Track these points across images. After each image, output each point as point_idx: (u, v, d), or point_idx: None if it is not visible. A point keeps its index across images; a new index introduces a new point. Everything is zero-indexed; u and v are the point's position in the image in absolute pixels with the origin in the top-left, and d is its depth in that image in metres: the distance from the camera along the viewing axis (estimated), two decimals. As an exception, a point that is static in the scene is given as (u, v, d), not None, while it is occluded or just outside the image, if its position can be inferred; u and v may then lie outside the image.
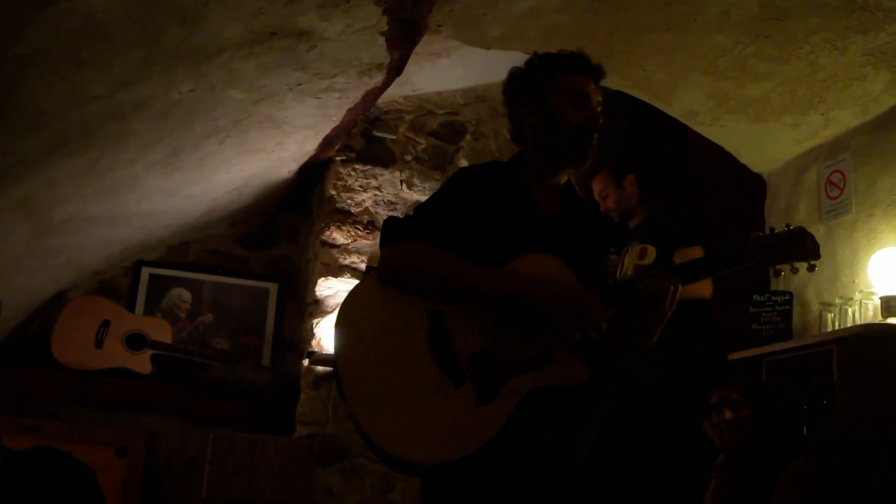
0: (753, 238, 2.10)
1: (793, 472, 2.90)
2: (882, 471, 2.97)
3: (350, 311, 2.06)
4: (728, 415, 3.22)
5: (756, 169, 4.18)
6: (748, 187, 4.20)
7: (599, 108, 2.19)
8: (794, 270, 2.12)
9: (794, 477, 2.89)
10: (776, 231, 2.10)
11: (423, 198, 4.14)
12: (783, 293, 3.72)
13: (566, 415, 2.05)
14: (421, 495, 2.05)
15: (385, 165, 4.71)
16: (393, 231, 2.13)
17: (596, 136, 2.16)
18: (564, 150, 2.17)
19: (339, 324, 2.04)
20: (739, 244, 2.10)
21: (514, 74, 2.26)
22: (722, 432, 3.21)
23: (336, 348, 2.04)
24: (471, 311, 2.00)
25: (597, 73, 2.21)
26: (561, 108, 2.15)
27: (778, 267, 2.11)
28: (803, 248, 2.08)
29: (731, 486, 3.15)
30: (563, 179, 2.25)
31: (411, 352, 1.96)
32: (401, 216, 3.78)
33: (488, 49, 3.80)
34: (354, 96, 3.76)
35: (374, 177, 4.68)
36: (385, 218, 2.19)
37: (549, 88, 2.17)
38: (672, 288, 2.00)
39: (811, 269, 2.11)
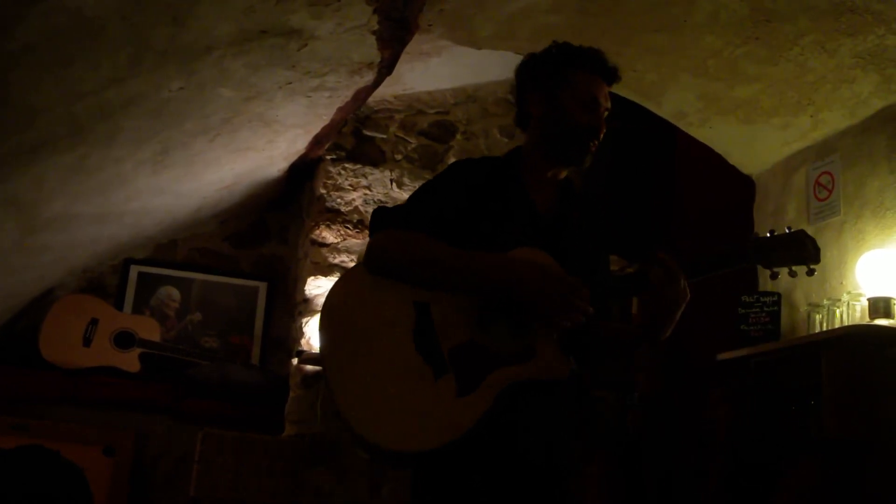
0: (753, 239, 2.08)
1: (792, 479, 2.92)
2: (869, 472, 2.99)
3: (335, 301, 2.06)
4: (723, 411, 3.24)
5: (745, 170, 4.19)
6: (737, 189, 4.22)
7: (606, 114, 2.17)
8: (793, 274, 2.08)
9: (794, 483, 2.91)
10: (776, 233, 2.08)
11: (414, 197, 4.13)
12: (771, 294, 3.73)
13: (551, 410, 2.06)
14: (411, 494, 2.05)
15: (375, 164, 4.71)
16: (383, 220, 2.12)
17: (597, 140, 2.15)
18: (565, 147, 2.15)
19: (325, 314, 2.04)
20: (738, 245, 2.08)
21: (529, 60, 2.23)
22: (718, 429, 3.23)
23: (321, 339, 2.04)
24: (457, 303, 2.00)
25: (612, 76, 2.18)
26: (569, 106, 2.13)
27: (775, 269, 2.08)
28: (804, 251, 2.05)
29: (727, 486, 3.17)
30: (562, 175, 2.23)
31: (395, 342, 1.97)
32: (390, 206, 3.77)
33: (479, 49, 3.81)
34: (345, 95, 3.76)
35: (365, 176, 4.68)
36: (374, 209, 2.18)
37: (561, 83, 2.14)
38: (683, 277, 1.99)
39: (811, 273, 2.07)
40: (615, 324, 2.24)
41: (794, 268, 2.07)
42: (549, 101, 2.16)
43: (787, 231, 2.08)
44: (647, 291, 2.03)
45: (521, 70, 2.24)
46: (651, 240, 4.56)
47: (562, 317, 1.95)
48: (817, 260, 2.06)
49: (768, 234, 2.08)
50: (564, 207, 2.21)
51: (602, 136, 2.16)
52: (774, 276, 2.09)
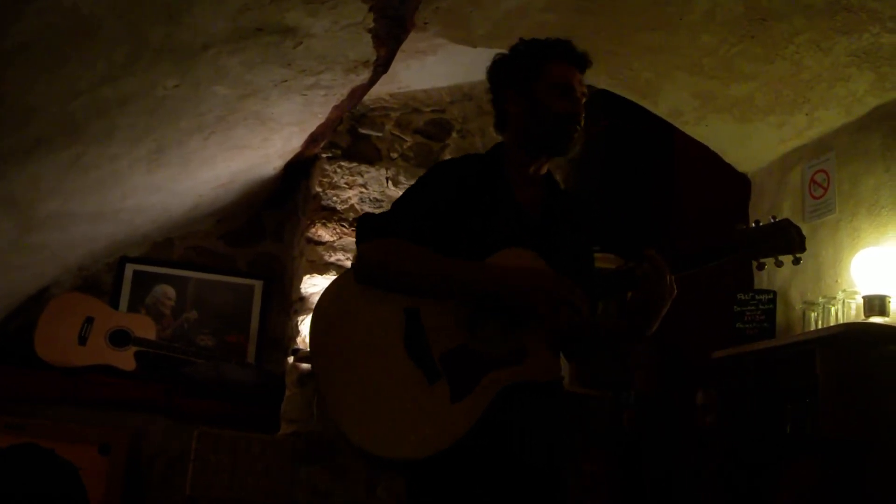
0: (738, 231, 2.08)
1: (791, 478, 2.93)
2: (867, 471, 2.99)
3: (326, 307, 2.05)
4: (708, 420, 3.25)
5: (741, 168, 4.20)
6: (736, 187, 4.22)
7: (584, 100, 2.16)
8: (779, 264, 2.08)
9: (793, 482, 2.92)
10: (761, 224, 2.07)
11: (409, 195, 4.13)
12: (767, 292, 3.74)
13: (547, 412, 2.06)
14: (406, 494, 2.05)
15: (371, 163, 4.71)
16: (369, 228, 2.10)
17: (579, 127, 2.13)
18: (548, 137, 2.13)
19: (315, 321, 2.03)
20: (724, 237, 2.08)
21: (499, 61, 2.22)
22: (708, 434, 3.24)
23: (311, 345, 2.03)
24: (447, 308, 1.99)
25: (582, 62, 2.17)
26: (545, 97, 2.12)
27: (762, 260, 2.08)
28: (789, 240, 2.05)
29: (725, 486, 3.18)
30: (544, 170, 2.22)
31: (386, 349, 1.96)
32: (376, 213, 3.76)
33: (475, 47, 3.80)
34: (340, 93, 3.75)
35: (360, 174, 4.67)
36: (360, 215, 2.15)
37: (534, 76, 2.13)
38: (669, 273, 1.99)
39: (797, 262, 2.07)
40: (603, 321, 2.24)
41: (780, 258, 2.07)
42: (525, 95, 2.14)
43: (771, 221, 2.08)
44: (634, 288, 2.02)
45: (493, 71, 2.23)
46: (647, 237, 4.56)
47: (559, 320, 1.94)
48: (802, 248, 2.06)
49: (753, 225, 2.08)
50: (550, 204, 2.20)
51: (583, 121, 2.14)
52: (761, 268, 2.09)
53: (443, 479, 1.95)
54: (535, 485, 2.00)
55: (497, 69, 2.23)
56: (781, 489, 3.02)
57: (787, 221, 2.08)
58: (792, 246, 2.05)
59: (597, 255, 2.34)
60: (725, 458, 3.31)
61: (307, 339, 4.32)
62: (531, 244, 2.05)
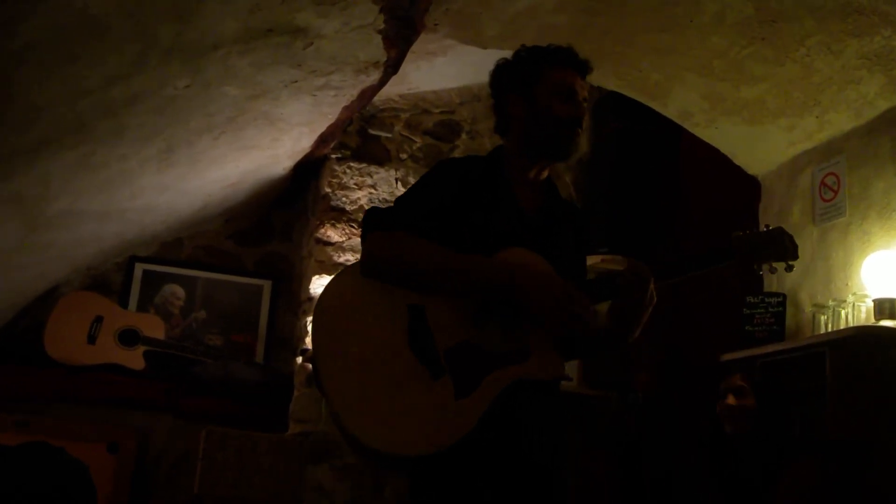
0: (733, 238, 2.13)
1: (792, 478, 2.92)
2: (873, 473, 2.98)
3: (328, 303, 2.05)
4: (732, 400, 3.26)
5: (751, 171, 4.18)
6: (743, 189, 4.21)
7: (585, 104, 2.19)
8: (773, 270, 2.15)
9: (794, 483, 2.91)
10: (756, 231, 2.13)
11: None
12: (776, 295, 3.72)
13: (549, 411, 2.06)
14: (409, 493, 2.05)
15: (380, 163, 4.71)
16: (375, 222, 2.11)
17: (580, 130, 2.17)
18: (549, 141, 2.16)
19: (318, 317, 2.03)
20: (720, 243, 2.13)
21: (502, 66, 2.25)
22: (725, 419, 3.25)
23: (314, 342, 2.03)
24: (451, 304, 2.00)
25: (584, 68, 2.20)
26: (547, 101, 2.14)
27: (756, 267, 2.14)
28: (782, 247, 2.12)
29: (727, 486, 3.17)
30: (545, 175, 2.24)
31: (390, 345, 1.96)
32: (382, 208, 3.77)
33: (484, 48, 3.80)
34: (350, 94, 3.76)
35: (370, 175, 4.68)
36: (366, 210, 2.17)
37: (536, 81, 2.16)
38: (651, 283, 2.03)
39: (789, 269, 2.14)
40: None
41: (774, 264, 2.13)
42: (527, 99, 2.17)
43: (766, 228, 2.14)
44: (616, 297, 2.08)
45: (496, 75, 2.26)
46: (654, 239, 4.56)
47: (558, 323, 1.96)
48: (795, 256, 2.13)
49: (747, 232, 2.13)
50: (549, 207, 2.22)
51: (584, 125, 2.18)
52: (756, 273, 2.16)
53: (446, 476, 1.96)
54: (536, 483, 2.00)
55: (499, 73, 2.25)
56: (782, 490, 3.01)
57: (780, 230, 2.14)
58: (786, 254, 2.12)
59: (605, 255, 2.37)
60: (729, 460, 3.31)
61: (315, 339, 4.36)
62: (530, 245, 2.07)
